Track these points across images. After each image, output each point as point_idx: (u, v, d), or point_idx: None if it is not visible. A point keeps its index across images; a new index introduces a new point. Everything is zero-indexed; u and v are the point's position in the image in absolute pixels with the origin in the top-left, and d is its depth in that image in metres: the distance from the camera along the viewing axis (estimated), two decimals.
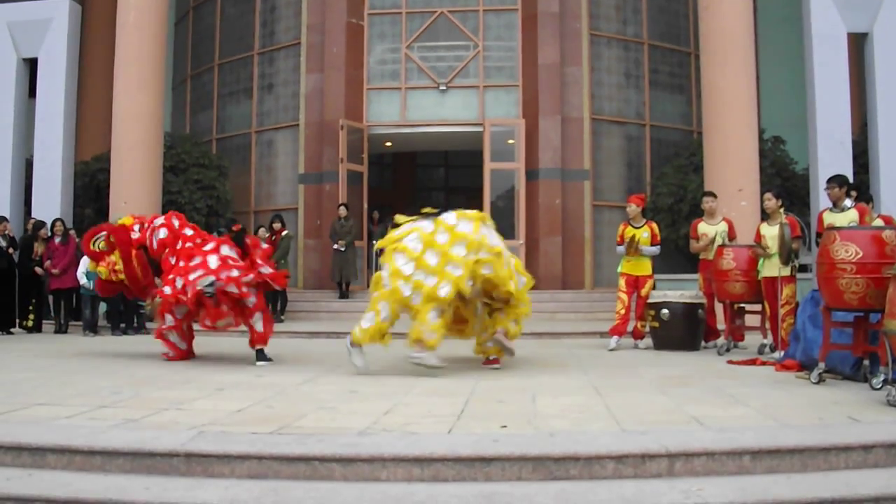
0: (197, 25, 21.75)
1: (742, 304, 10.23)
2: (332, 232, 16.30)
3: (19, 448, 4.39)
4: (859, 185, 11.21)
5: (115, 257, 9.43)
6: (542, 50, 17.87)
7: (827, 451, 4.31)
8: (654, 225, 11.06)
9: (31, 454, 4.36)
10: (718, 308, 10.66)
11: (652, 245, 10.69)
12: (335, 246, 16.10)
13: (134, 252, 9.42)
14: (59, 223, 14.08)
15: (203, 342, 9.86)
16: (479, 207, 17.78)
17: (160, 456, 4.24)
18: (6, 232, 13.75)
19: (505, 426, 4.90)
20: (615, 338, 10.63)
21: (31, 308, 13.95)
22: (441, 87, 18.25)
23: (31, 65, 16.37)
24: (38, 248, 13.94)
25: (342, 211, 16.36)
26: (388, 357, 9.01)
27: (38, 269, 13.67)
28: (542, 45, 17.88)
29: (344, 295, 16.26)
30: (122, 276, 9.45)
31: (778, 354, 8.87)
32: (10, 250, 13.61)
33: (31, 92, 16.39)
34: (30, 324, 13.88)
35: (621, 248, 10.75)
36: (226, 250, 8.85)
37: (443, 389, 6.61)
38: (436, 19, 18.47)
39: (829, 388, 6.67)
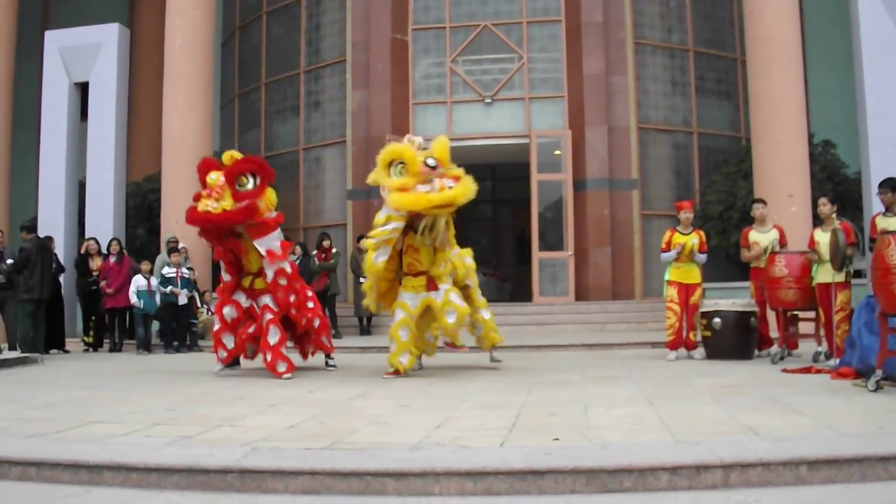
0: (243, 45, 22.01)
1: (795, 312, 10.10)
2: (355, 265, 15.67)
3: (77, 465, 4.44)
4: None
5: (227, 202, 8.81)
6: (587, 60, 17.83)
7: (887, 461, 4.22)
8: (702, 232, 10.99)
9: (89, 471, 4.41)
10: (771, 316, 10.53)
11: (700, 252, 10.62)
12: (362, 280, 15.54)
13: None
14: (114, 243, 14.29)
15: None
16: (528, 219, 17.90)
17: (215, 472, 4.27)
18: (53, 252, 13.96)
19: (557, 439, 4.87)
20: (673, 352, 10.54)
21: (91, 324, 14.21)
22: (486, 100, 18.28)
23: (83, 89, 16.63)
24: (93, 263, 14.20)
25: (363, 243, 15.97)
26: (439, 370, 9.05)
27: (102, 285, 13.87)
28: (586, 55, 17.85)
29: (367, 331, 15.89)
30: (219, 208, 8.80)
31: (833, 362, 8.73)
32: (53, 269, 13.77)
33: (83, 115, 16.66)
34: (90, 339, 14.13)
35: (667, 255, 10.64)
36: None
37: (494, 402, 6.59)
38: (479, 33, 18.51)
39: (887, 396, 6.55)
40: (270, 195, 9.12)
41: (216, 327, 9.47)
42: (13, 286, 12.56)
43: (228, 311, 9.33)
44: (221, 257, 9.38)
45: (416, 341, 8.88)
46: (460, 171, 8.57)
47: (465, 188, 8.35)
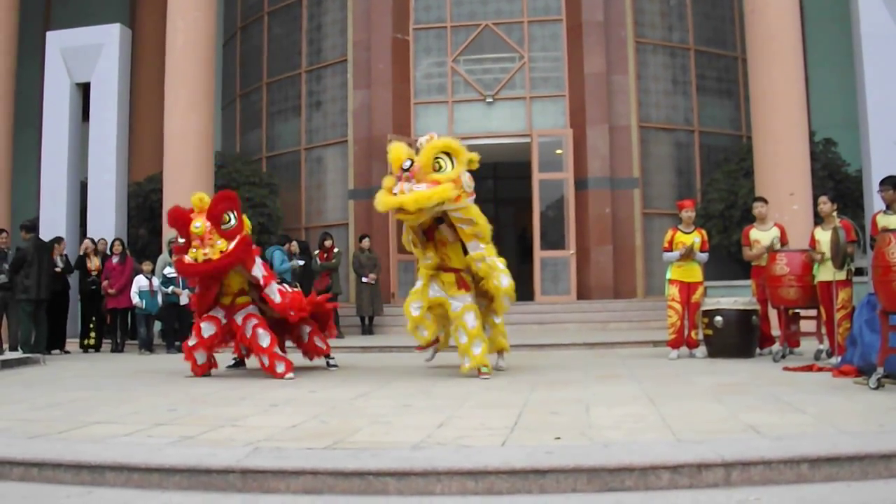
0: (245, 46, 22.02)
1: (797, 310, 10.10)
2: (358, 264, 15.90)
3: (79, 466, 4.44)
4: None
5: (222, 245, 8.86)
6: (588, 59, 17.84)
7: (888, 458, 4.21)
8: (703, 231, 10.99)
9: (91, 472, 4.42)
10: (772, 314, 10.53)
11: (701, 252, 10.62)
12: (365, 279, 15.73)
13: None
14: (117, 243, 14.32)
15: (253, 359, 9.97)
16: (529, 218, 17.91)
17: (216, 472, 4.27)
18: (63, 253, 13.98)
19: (559, 438, 4.87)
20: (675, 351, 10.54)
21: (91, 326, 14.20)
22: (488, 100, 18.29)
23: (84, 89, 16.65)
24: (91, 263, 14.18)
25: (365, 243, 16.14)
26: (441, 370, 9.06)
27: (104, 285, 13.87)
28: (587, 54, 17.85)
29: (368, 330, 15.93)
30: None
31: (835, 360, 8.73)
32: (57, 269, 13.75)
33: (85, 116, 16.67)
34: (91, 342, 14.12)
35: (670, 255, 10.64)
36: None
37: (496, 402, 6.60)
38: (480, 32, 18.52)
39: (889, 394, 6.56)
40: (247, 223, 9.35)
41: (191, 342, 9.37)
42: (14, 287, 12.56)
43: (206, 327, 9.28)
44: (197, 306, 9.48)
45: (432, 318, 8.88)
46: (444, 176, 8.28)
47: (421, 194, 8.05)
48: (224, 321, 9.27)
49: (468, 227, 8.52)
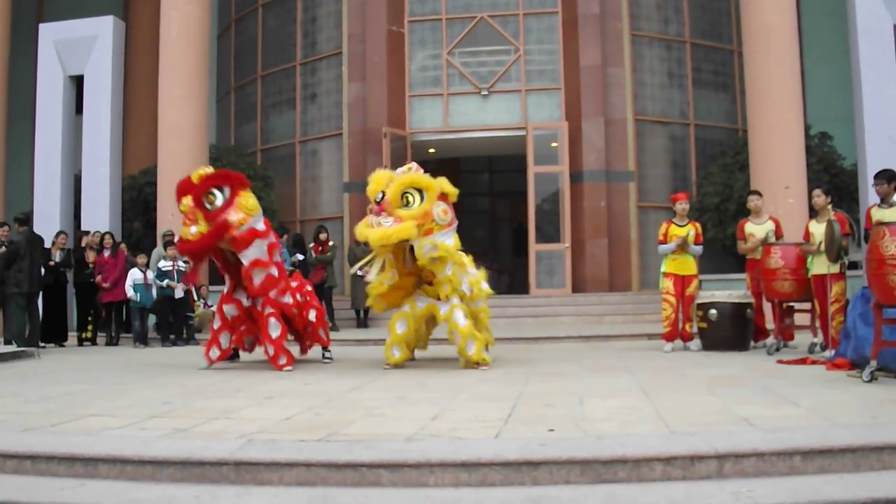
0: (239, 38, 21.96)
1: (791, 303, 10.11)
2: (353, 258, 15.41)
3: (72, 458, 4.43)
4: None
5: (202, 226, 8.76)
6: (584, 52, 17.81)
7: (880, 451, 4.22)
8: (698, 224, 11.01)
9: (84, 464, 4.41)
10: (767, 307, 10.54)
11: (696, 244, 10.63)
12: (360, 273, 15.42)
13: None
14: (108, 236, 14.28)
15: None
16: (524, 211, 17.90)
17: (210, 464, 4.27)
18: (64, 246, 13.95)
19: (552, 430, 4.87)
20: (670, 344, 10.55)
21: (89, 319, 14.17)
22: (483, 93, 18.26)
23: (78, 82, 16.60)
24: (88, 256, 14.15)
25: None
26: (436, 362, 9.07)
27: (98, 280, 13.83)
28: (583, 46, 17.82)
29: (363, 323, 15.82)
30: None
31: (828, 353, 8.74)
32: (52, 263, 13.75)
33: (78, 109, 16.63)
34: (89, 335, 14.10)
35: (665, 247, 10.65)
36: None
37: (490, 394, 6.60)
38: (476, 24, 18.49)
39: (882, 387, 6.57)
40: (246, 201, 8.92)
41: (216, 325, 9.36)
42: (6, 280, 12.52)
43: (229, 310, 9.26)
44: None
45: (411, 337, 8.93)
46: (407, 213, 8.31)
47: (384, 232, 8.21)
48: (247, 304, 9.23)
49: (438, 269, 8.61)
